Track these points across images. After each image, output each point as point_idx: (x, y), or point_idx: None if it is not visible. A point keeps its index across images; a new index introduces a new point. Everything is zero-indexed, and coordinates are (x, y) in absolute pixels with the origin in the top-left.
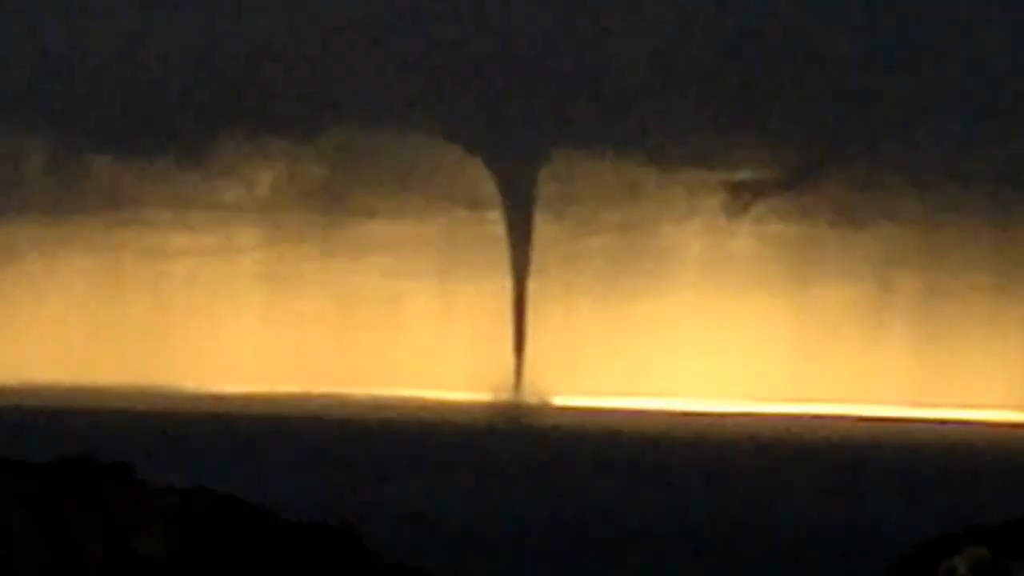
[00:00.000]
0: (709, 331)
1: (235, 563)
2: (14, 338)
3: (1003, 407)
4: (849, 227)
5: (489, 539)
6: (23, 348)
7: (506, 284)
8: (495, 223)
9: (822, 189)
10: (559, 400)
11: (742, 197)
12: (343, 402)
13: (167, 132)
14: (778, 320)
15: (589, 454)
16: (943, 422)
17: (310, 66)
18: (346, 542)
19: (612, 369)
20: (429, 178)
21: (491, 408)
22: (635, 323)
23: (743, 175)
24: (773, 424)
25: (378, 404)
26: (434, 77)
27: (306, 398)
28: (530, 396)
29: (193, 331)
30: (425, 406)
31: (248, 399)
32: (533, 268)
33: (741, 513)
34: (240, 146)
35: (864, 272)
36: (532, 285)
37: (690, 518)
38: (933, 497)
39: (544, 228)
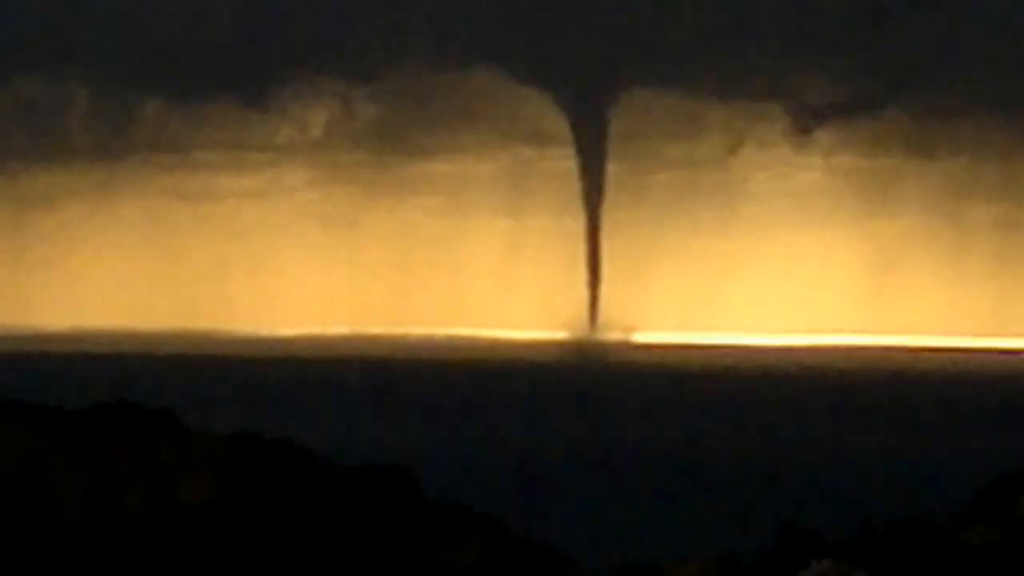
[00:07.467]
0: (781, 265)
1: (284, 509)
2: (62, 284)
3: None
4: (921, 158)
5: (559, 478)
6: (71, 294)
7: (572, 221)
8: (558, 160)
9: (892, 119)
10: (637, 336)
11: (806, 123)
12: (402, 343)
13: (218, 74)
14: (849, 252)
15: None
16: (1018, 352)
17: (367, 6)
18: (400, 485)
19: (684, 304)
20: (488, 116)
21: (567, 345)
22: (705, 258)
23: (808, 101)
24: (846, 356)
25: (439, 344)
26: (497, 15)
27: (362, 340)
28: (607, 332)
29: (245, 274)
30: (492, 345)
31: (301, 341)
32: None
33: (818, 445)
34: (293, 87)
35: (937, 204)
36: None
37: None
38: (1011, 429)
39: (610, 164)
